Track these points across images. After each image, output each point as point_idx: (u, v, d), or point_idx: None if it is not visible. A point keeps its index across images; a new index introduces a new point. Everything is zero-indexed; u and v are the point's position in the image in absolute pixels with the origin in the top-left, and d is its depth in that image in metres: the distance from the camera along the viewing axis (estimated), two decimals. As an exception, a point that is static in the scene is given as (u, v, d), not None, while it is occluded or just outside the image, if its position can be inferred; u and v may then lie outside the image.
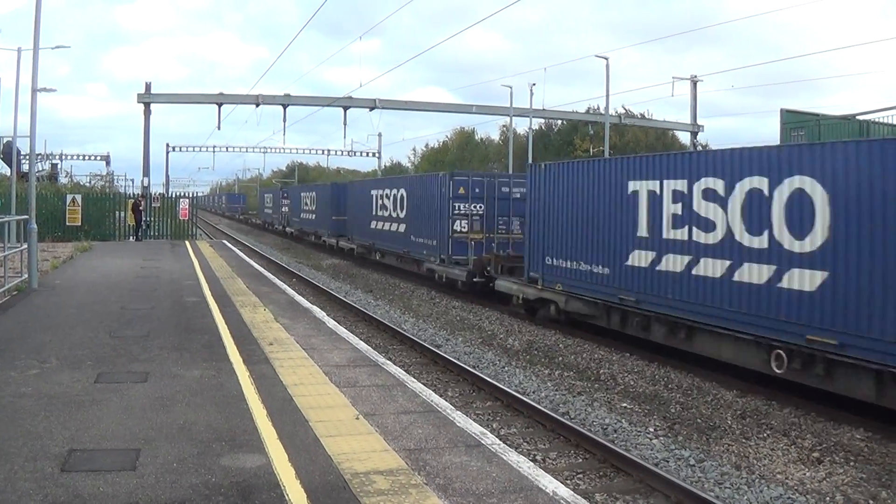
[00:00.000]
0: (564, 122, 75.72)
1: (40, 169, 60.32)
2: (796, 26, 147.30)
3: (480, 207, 27.65)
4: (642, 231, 16.98)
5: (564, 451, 10.98)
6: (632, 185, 17.33)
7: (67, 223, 38.62)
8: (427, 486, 6.56)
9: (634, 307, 17.28)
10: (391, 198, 34.44)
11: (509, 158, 57.66)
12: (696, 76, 50.32)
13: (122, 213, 40.92)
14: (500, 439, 8.81)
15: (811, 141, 24.89)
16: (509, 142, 60.86)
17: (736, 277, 14.35)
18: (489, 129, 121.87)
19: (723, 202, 14.71)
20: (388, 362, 11.81)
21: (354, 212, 41.34)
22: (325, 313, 16.82)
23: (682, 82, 50.16)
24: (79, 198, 40.12)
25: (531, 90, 53.99)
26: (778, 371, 13.51)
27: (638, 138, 73.43)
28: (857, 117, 27.05)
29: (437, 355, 16.64)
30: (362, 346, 12.99)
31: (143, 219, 40.47)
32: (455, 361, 15.95)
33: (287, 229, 61.38)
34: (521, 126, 76.07)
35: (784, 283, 13.36)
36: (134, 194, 43.48)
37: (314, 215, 51.11)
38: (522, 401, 13.00)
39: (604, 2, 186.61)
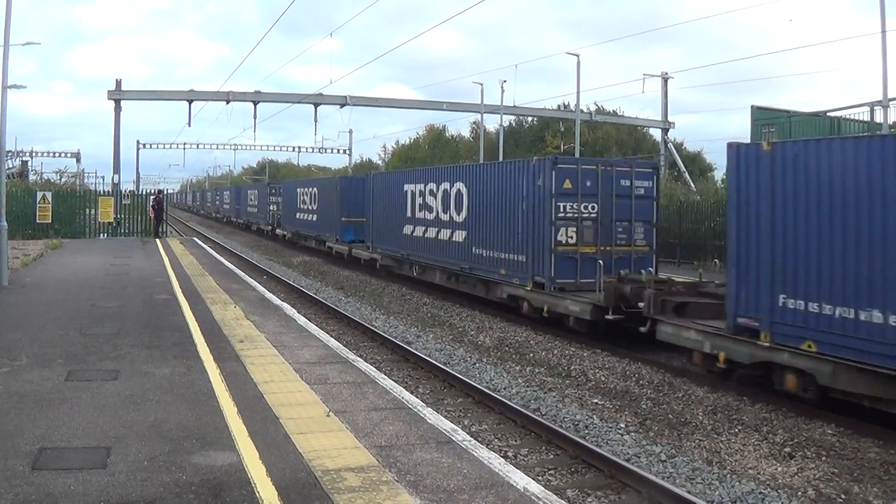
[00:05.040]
0: (534, 119, 75.97)
1: (10, 166, 59.76)
2: (753, 25, 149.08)
3: (593, 208, 19.76)
4: None
5: (536, 447, 11.01)
6: None
7: (38, 220, 38.34)
8: (398, 482, 6.58)
9: None
10: (440, 195, 25.62)
11: (480, 155, 57.73)
12: (666, 73, 50.63)
13: (93, 211, 40.68)
14: (471, 436, 8.85)
15: (782, 137, 25.08)
16: (480, 139, 60.94)
17: None
18: (458, 126, 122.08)
19: None
20: (359, 359, 11.84)
21: (378, 213, 31.98)
22: (295, 310, 16.82)
23: (649, 79, 50.41)
24: (49, 195, 39.83)
25: (502, 87, 54.06)
26: None
27: (609, 134, 73.76)
28: (828, 114, 27.29)
29: (408, 352, 16.62)
30: (333, 343, 13.00)
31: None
32: (426, 358, 15.94)
33: (278, 232, 52.29)
34: (490, 123, 76.42)
35: None
36: (152, 190, 43.66)
37: (315, 216, 42.42)
38: (493, 397, 13.01)
39: (557, 1, 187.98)
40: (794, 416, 12.60)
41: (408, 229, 28.19)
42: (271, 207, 55.58)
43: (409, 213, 28.17)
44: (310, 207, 43.34)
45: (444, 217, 25.22)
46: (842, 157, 12.37)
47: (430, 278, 26.82)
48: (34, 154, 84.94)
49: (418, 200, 27.32)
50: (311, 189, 43.99)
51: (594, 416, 12.57)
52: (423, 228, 26.85)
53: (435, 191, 25.99)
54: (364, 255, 33.54)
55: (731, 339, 13.84)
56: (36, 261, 25.69)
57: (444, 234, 25.19)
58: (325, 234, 39.93)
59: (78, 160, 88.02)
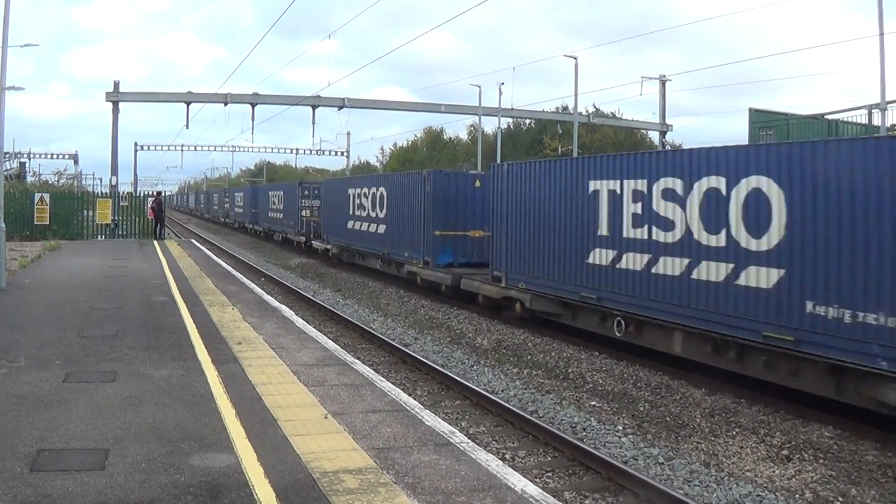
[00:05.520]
0: (532, 122, 76.13)
1: (8, 168, 59.78)
2: (751, 28, 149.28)
3: None
4: None
5: (533, 449, 11.02)
6: None
7: (36, 222, 38.26)
8: (396, 484, 6.58)
9: None
10: (696, 198, 14.57)
11: (478, 157, 57.75)
12: (664, 76, 50.59)
13: (91, 212, 40.65)
14: (469, 438, 8.87)
15: (781, 140, 25.08)
16: (478, 141, 60.98)
17: None
18: (456, 128, 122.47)
19: None
20: (357, 361, 11.82)
21: (520, 226, 20.53)
22: (293, 312, 16.79)
23: (647, 82, 50.43)
24: (47, 197, 39.74)
25: (500, 89, 54.17)
26: None
27: (607, 136, 73.89)
28: (826, 117, 27.30)
29: (406, 354, 16.61)
30: (331, 345, 12.99)
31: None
32: (423, 360, 15.92)
33: (315, 244, 40.93)
34: (487, 126, 76.64)
35: None
36: (151, 192, 44.14)
37: (382, 226, 30.89)
38: (491, 399, 13.01)
39: (554, 3, 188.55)
40: (791, 419, 12.60)
41: (600, 256, 17.34)
42: (304, 213, 44.74)
43: (603, 230, 17.22)
44: (372, 214, 31.99)
45: (708, 239, 14.32)
46: None
47: (660, 344, 15.90)
48: (32, 155, 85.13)
49: (631, 208, 16.41)
50: (374, 189, 32.15)
51: (592, 419, 12.57)
52: (645, 257, 15.94)
53: (679, 191, 15.05)
54: (490, 291, 21.72)
55: None
56: (34, 262, 25.65)
57: (708, 270, 14.27)
58: (400, 252, 28.67)
59: (76, 162, 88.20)
